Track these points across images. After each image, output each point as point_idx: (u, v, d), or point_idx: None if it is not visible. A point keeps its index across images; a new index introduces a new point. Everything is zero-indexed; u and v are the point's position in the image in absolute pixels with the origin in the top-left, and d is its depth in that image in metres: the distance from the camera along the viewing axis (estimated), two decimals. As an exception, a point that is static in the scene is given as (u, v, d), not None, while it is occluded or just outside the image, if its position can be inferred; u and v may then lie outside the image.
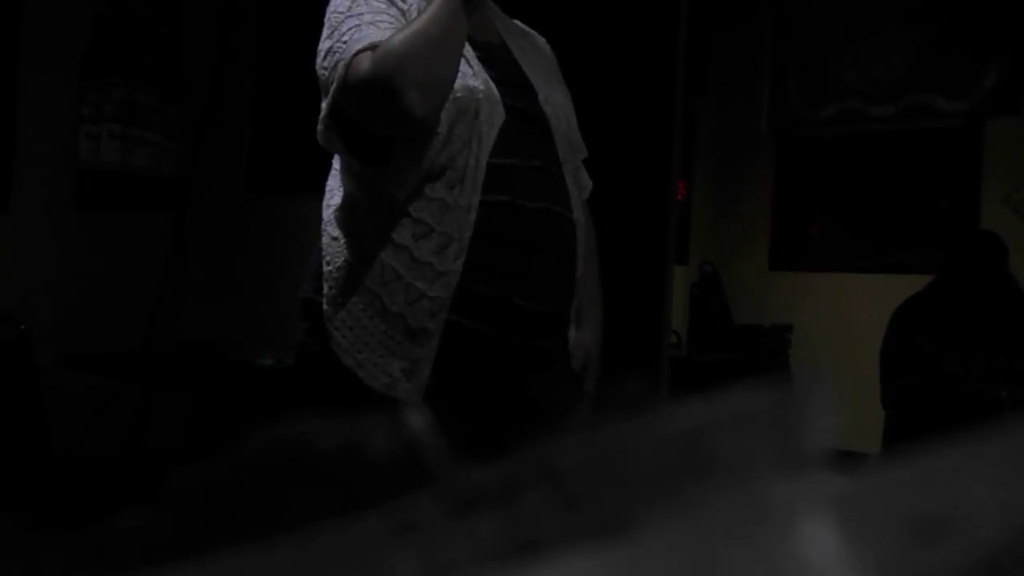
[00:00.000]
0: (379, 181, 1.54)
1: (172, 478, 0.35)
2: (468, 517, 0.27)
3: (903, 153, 5.36)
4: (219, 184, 3.99)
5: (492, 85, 1.55)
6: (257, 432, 0.35)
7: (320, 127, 1.53)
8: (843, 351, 4.80)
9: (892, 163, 5.40)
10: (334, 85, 1.48)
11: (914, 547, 0.25)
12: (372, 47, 1.46)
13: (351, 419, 0.34)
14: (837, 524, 0.25)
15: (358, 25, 1.50)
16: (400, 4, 1.57)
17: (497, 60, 1.63)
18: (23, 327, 3.05)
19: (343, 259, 1.57)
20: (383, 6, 1.55)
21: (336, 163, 1.65)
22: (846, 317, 5.17)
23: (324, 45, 1.53)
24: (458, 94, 1.50)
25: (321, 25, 1.58)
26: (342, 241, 1.58)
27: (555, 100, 1.65)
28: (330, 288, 1.57)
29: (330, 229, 1.61)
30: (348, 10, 1.53)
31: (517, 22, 1.79)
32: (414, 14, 1.56)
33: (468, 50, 1.56)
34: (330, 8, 1.57)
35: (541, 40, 1.82)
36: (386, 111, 1.46)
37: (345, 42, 1.48)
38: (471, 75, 1.53)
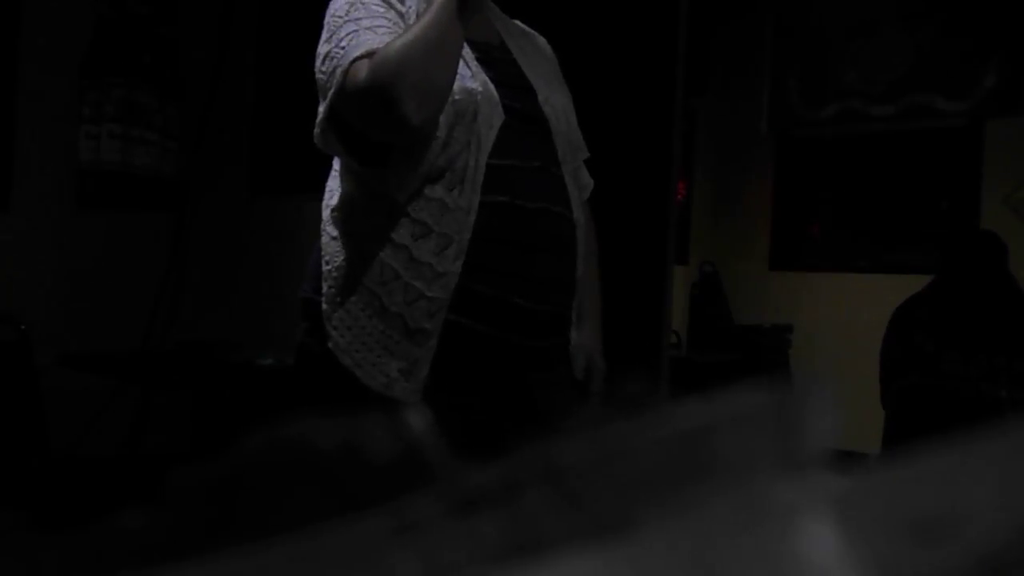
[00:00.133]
0: (378, 182, 1.54)
1: (172, 478, 0.35)
2: (468, 517, 0.27)
3: (903, 153, 5.36)
4: (219, 184, 3.99)
5: (491, 86, 1.55)
6: (257, 432, 0.35)
7: (317, 130, 1.54)
8: (843, 351, 4.80)
9: (892, 163, 5.40)
10: (332, 91, 1.49)
11: (914, 547, 0.25)
12: (369, 54, 1.46)
13: (351, 419, 0.34)
14: (837, 524, 0.25)
15: (356, 31, 1.50)
16: (398, 6, 1.57)
17: (497, 61, 1.63)
18: (23, 327, 3.05)
19: (342, 258, 1.57)
20: (381, 10, 1.55)
21: (336, 163, 1.65)
22: (846, 317, 5.17)
23: (323, 49, 1.53)
24: (456, 96, 1.51)
25: (321, 26, 1.58)
26: (341, 241, 1.58)
27: (555, 100, 1.65)
28: (329, 287, 1.57)
29: (329, 229, 1.61)
30: (346, 14, 1.53)
31: (517, 22, 1.79)
32: (413, 17, 1.56)
33: (467, 51, 1.56)
34: (329, 11, 1.57)
35: (542, 40, 1.82)
36: (383, 118, 1.47)
37: (343, 48, 1.49)
38: (469, 77, 1.54)
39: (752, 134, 5.82)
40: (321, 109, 1.52)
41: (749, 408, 0.28)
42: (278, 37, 3.84)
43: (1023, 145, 4.90)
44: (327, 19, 1.57)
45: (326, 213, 1.63)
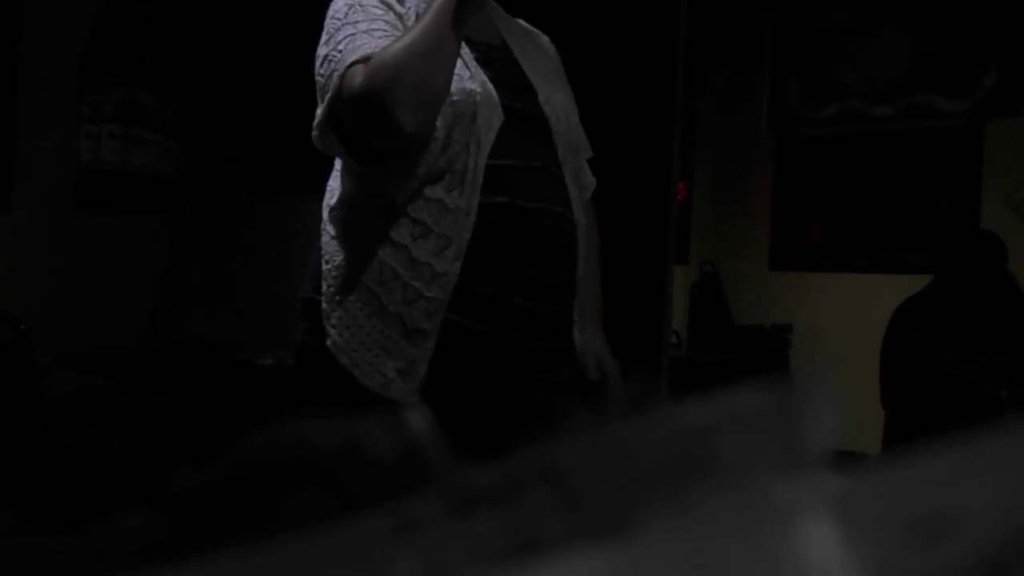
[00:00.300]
0: (377, 181, 1.54)
1: (172, 478, 0.35)
2: (468, 517, 0.27)
3: (903, 153, 5.36)
4: (219, 184, 3.99)
5: (490, 87, 1.55)
6: (257, 432, 0.35)
7: (315, 133, 1.54)
8: (843, 351, 4.80)
9: (892, 163, 5.40)
10: (329, 94, 1.49)
11: (914, 547, 0.25)
12: (365, 59, 1.46)
13: (351, 419, 0.34)
14: (837, 524, 0.25)
15: (353, 34, 1.50)
16: (397, 7, 1.57)
17: (497, 61, 1.63)
18: (23, 327, 3.05)
19: (342, 258, 1.57)
20: (379, 12, 1.55)
21: (338, 163, 1.65)
22: (846, 317, 5.17)
23: (321, 51, 1.54)
24: (455, 97, 1.51)
25: (321, 26, 1.59)
26: (341, 240, 1.58)
27: (555, 100, 1.65)
28: (328, 287, 1.57)
29: (329, 228, 1.61)
30: (345, 17, 1.54)
31: (520, 21, 1.79)
32: (412, 18, 1.56)
33: (466, 52, 1.56)
34: (329, 12, 1.58)
35: (545, 39, 1.82)
36: (377, 125, 1.47)
37: (340, 51, 1.50)
38: (468, 77, 1.53)
39: (752, 134, 5.82)
40: (319, 112, 1.52)
41: (749, 408, 0.28)
42: (278, 37, 3.84)
43: (1023, 145, 4.90)
44: (327, 20, 1.57)
45: (326, 213, 1.63)
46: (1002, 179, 4.95)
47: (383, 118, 1.44)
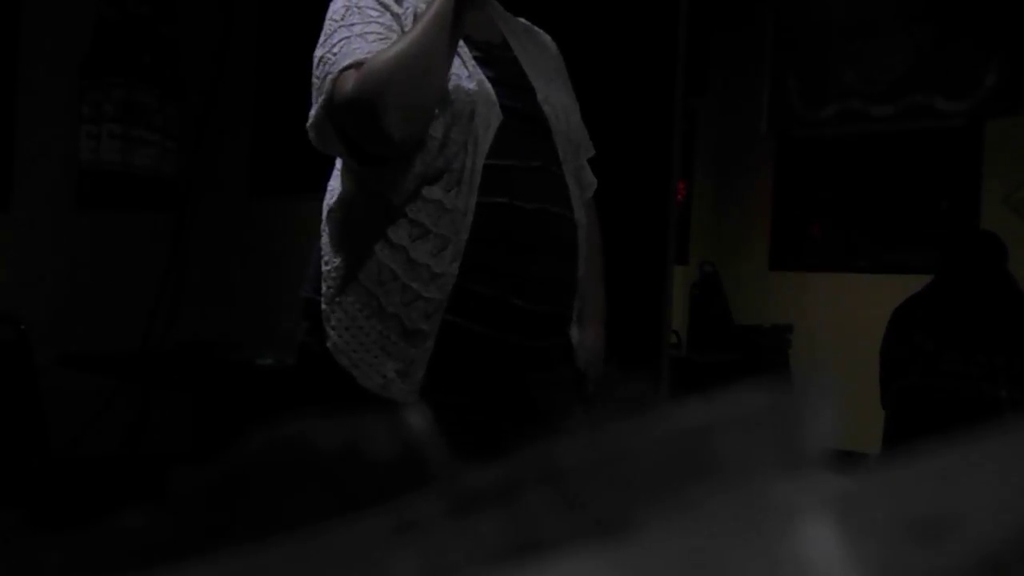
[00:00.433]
0: (376, 181, 1.54)
1: (172, 478, 0.35)
2: (468, 517, 0.27)
3: (903, 153, 5.36)
4: (219, 184, 3.99)
5: (488, 86, 1.55)
6: (257, 432, 0.35)
7: (311, 133, 1.55)
8: (843, 351, 4.80)
9: (892, 163, 5.40)
10: (322, 98, 1.51)
11: (914, 547, 0.25)
12: (358, 64, 1.47)
13: (352, 419, 0.34)
14: (837, 524, 0.25)
15: (348, 37, 1.51)
16: (395, 7, 1.57)
17: (497, 60, 1.63)
18: (23, 327, 3.05)
19: (341, 259, 1.57)
20: (375, 14, 1.55)
21: (338, 163, 1.65)
22: (846, 317, 5.17)
23: (317, 53, 1.55)
24: (453, 97, 1.51)
25: (321, 26, 1.59)
26: (340, 240, 1.58)
27: (555, 99, 1.65)
28: (328, 287, 1.57)
29: (329, 229, 1.61)
30: (342, 19, 1.55)
31: (522, 20, 1.79)
32: (410, 18, 1.55)
33: (464, 51, 1.56)
34: (328, 13, 1.58)
35: (546, 38, 1.81)
36: (367, 132, 1.49)
37: (335, 54, 1.51)
38: (466, 77, 1.53)
39: (752, 134, 5.82)
40: (312, 113, 1.53)
41: (749, 408, 0.28)
42: (278, 37, 3.84)
43: (1023, 145, 4.90)
44: (325, 21, 1.57)
45: (326, 213, 1.63)
46: (1002, 179, 4.95)
47: (372, 125, 1.45)
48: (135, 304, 3.73)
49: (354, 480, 0.33)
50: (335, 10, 1.57)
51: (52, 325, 3.40)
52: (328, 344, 1.55)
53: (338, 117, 1.50)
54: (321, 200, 1.66)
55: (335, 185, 1.64)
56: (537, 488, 0.27)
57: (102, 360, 3.41)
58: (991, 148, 5.03)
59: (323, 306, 1.57)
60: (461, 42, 1.53)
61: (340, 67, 1.48)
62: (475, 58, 1.58)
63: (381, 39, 1.51)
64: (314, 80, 1.54)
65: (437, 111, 1.50)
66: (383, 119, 1.44)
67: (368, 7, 1.55)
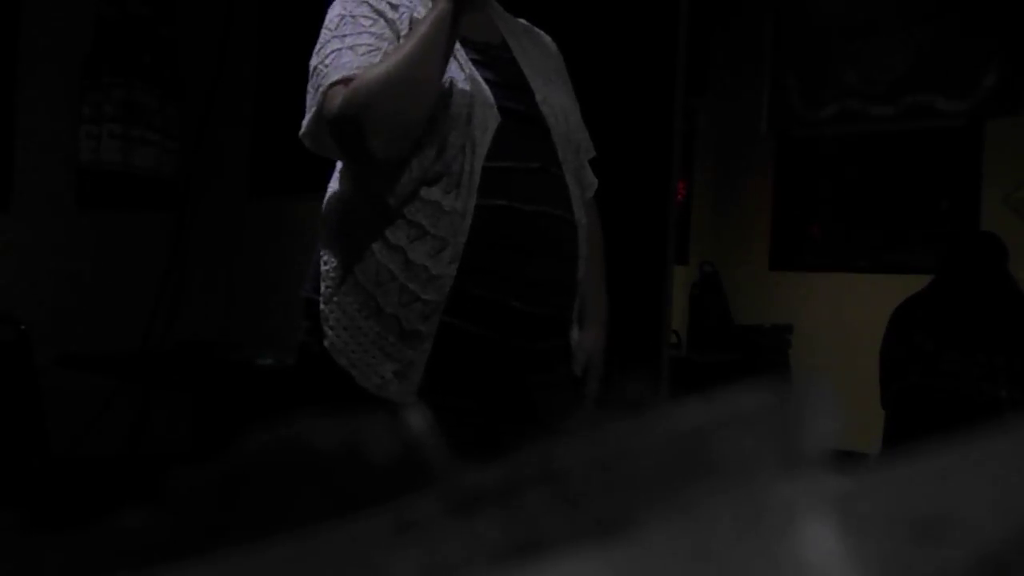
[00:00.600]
0: (374, 184, 1.54)
1: (172, 478, 0.35)
2: (468, 517, 0.27)
3: (903, 153, 5.36)
4: (219, 184, 3.99)
5: (485, 88, 1.55)
6: (257, 432, 0.35)
7: (306, 141, 1.57)
8: (843, 351, 4.80)
9: (892, 163, 5.40)
10: (314, 109, 1.53)
11: (914, 547, 0.25)
12: (346, 80, 1.49)
13: (352, 419, 0.34)
14: (837, 524, 0.25)
15: (339, 49, 1.53)
16: (389, 14, 1.57)
17: (496, 61, 1.63)
18: (23, 327, 3.05)
19: (340, 258, 1.57)
20: (367, 23, 1.55)
21: (338, 164, 1.65)
22: (846, 317, 5.17)
23: (312, 62, 1.57)
24: (449, 100, 1.51)
25: (321, 26, 1.59)
26: (339, 241, 1.58)
27: (553, 100, 1.64)
28: (327, 287, 1.57)
29: (328, 229, 1.61)
30: (335, 28, 1.56)
31: (522, 21, 1.79)
32: (405, 23, 1.55)
33: (461, 53, 1.56)
34: (325, 19, 1.59)
35: (546, 39, 1.81)
36: (351, 149, 1.52)
37: (327, 66, 1.53)
38: (463, 80, 1.53)
39: (752, 134, 5.82)
40: (304, 122, 1.55)
41: (749, 408, 0.28)
42: (278, 37, 3.84)
43: (1023, 145, 4.90)
44: (322, 28, 1.58)
45: (325, 213, 1.63)
46: (1002, 179, 4.94)
47: (356, 144, 1.48)
48: (135, 304, 3.73)
49: (354, 480, 0.33)
50: (330, 18, 1.58)
51: (52, 325, 3.40)
52: (326, 344, 1.55)
53: (327, 131, 1.52)
54: (321, 200, 1.66)
55: (335, 185, 1.64)
56: (537, 488, 0.27)
57: (102, 360, 3.41)
58: (991, 148, 5.03)
59: (322, 306, 1.57)
60: (458, 44, 1.53)
61: (329, 81, 1.50)
62: (473, 60, 1.58)
63: (371, 51, 1.52)
64: (309, 89, 1.56)
65: (435, 114, 1.50)
66: (366, 140, 1.47)
67: (362, 15, 1.56)
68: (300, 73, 1.61)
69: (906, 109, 5.27)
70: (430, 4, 1.53)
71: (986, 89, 5.01)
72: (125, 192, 3.80)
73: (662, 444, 0.27)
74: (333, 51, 1.53)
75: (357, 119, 1.46)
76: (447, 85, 1.51)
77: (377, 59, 1.50)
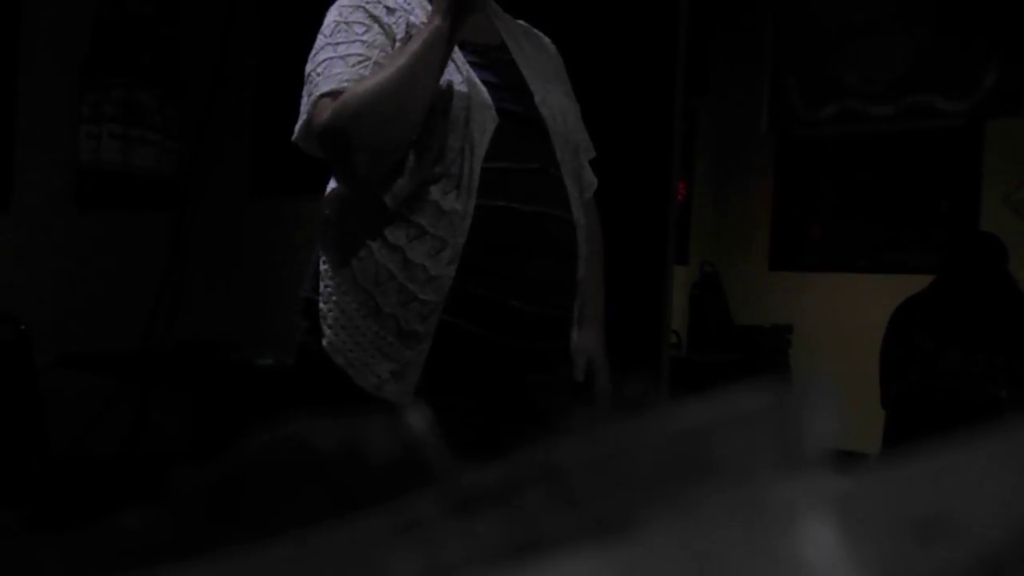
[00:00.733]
0: (373, 185, 1.55)
1: (172, 478, 0.35)
2: (468, 517, 0.27)
3: (903, 153, 5.36)
4: (219, 184, 3.99)
5: (483, 90, 1.55)
6: (257, 432, 0.35)
7: (300, 145, 1.59)
8: (843, 351, 4.80)
9: (892, 163, 5.40)
10: (303, 118, 1.55)
11: (914, 547, 0.25)
12: (334, 93, 1.50)
13: (352, 419, 0.34)
14: (837, 524, 0.25)
15: (331, 58, 1.54)
16: (385, 19, 1.57)
17: (494, 62, 1.63)
18: (23, 327, 3.05)
19: (339, 258, 1.57)
20: (361, 30, 1.55)
21: (338, 163, 1.66)
22: (846, 317, 5.17)
23: (308, 66, 1.58)
24: (447, 103, 1.51)
25: (320, 26, 1.59)
26: (338, 240, 1.58)
27: (552, 100, 1.64)
28: (325, 287, 1.58)
29: (328, 228, 1.61)
30: (330, 35, 1.56)
31: (521, 22, 1.79)
32: (402, 27, 1.56)
33: (460, 55, 1.56)
34: (324, 22, 1.60)
35: (546, 40, 1.81)
36: (336, 162, 1.56)
37: (318, 75, 1.55)
38: (460, 82, 1.53)
39: (752, 134, 5.82)
40: (296, 128, 1.57)
41: (749, 408, 0.28)
42: (278, 37, 3.84)
43: (1023, 145, 4.90)
44: (319, 31, 1.59)
45: (325, 212, 1.64)
46: (1002, 179, 4.94)
47: (341, 158, 1.52)
48: (135, 304, 3.73)
49: (354, 480, 0.33)
50: (327, 23, 1.59)
51: (52, 325, 3.40)
52: (324, 343, 1.55)
53: (314, 142, 1.55)
54: (321, 200, 1.66)
55: (335, 185, 1.64)
56: (537, 488, 0.27)
57: (102, 360, 3.41)
58: (991, 148, 5.03)
59: (321, 305, 1.57)
60: (456, 46, 1.53)
61: (319, 92, 1.52)
62: (472, 62, 1.58)
63: (361, 62, 1.52)
64: (303, 94, 1.57)
65: (434, 116, 1.51)
66: (350, 157, 1.50)
67: (356, 21, 1.56)
68: (300, 74, 1.61)
69: (906, 109, 5.27)
70: (429, 6, 1.53)
71: (986, 89, 5.01)
72: (125, 192, 3.80)
73: (662, 444, 0.27)
74: (325, 59, 1.54)
75: (342, 136, 1.48)
76: (445, 88, 1.51)
77: (367, 71, 1.51)
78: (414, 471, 0.33)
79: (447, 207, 1.50)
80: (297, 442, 0.35)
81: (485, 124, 1.53)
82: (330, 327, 1.55)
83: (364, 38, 1.55)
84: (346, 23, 1.56)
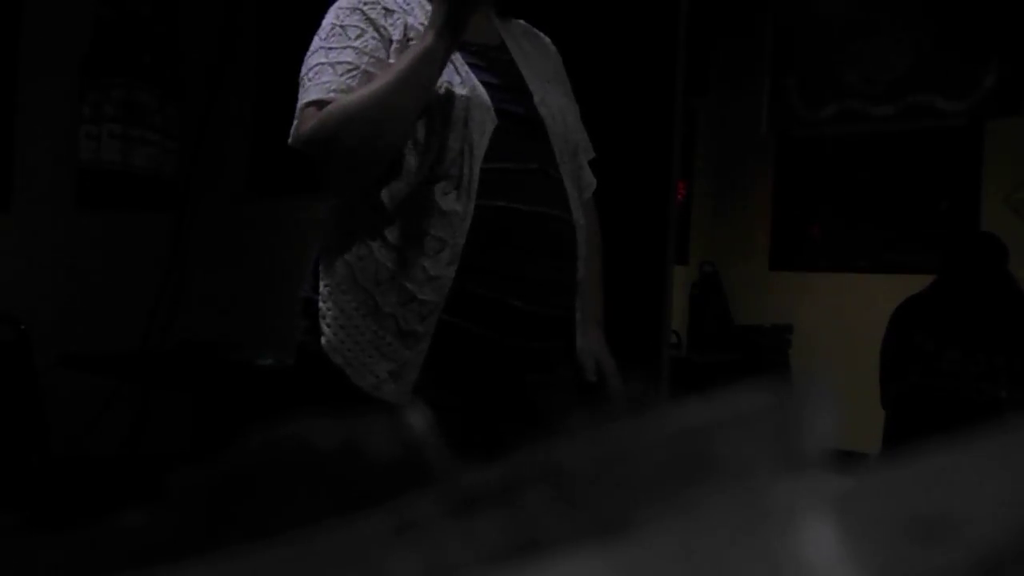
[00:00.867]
0: (373, 186, 1.55)
1: (172, 478, 0.35)
2: (468, 517, 0.27)
3: (903, 153, 5.36)
4: (219, 184, 3.99)
5: (482, 91, 1.55)
6: (257, 432, 0.35)
7: (297, 146, 1.59)
8: (843, 351, 4.80)
9: (892, 163, 5.40)
10: (295, 122, 1.55)
11: (914, 547, 0.25)
12: (320, 103, 1.51)
13: (352, 419, 0.34)
14: (837, 524, 0.25)
15: (322, 64, 1.55)
16: (381, 22, 1.57)
17: (493, 62, 1.63)
18: (23, 327, 3.05)
19: (339, 257, 1.57)
20: (354, 34, 1.55)
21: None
22: (846, 317, 5.17)
23: (302, 69, 1.58)
24: (446, 104, 1.51)
25: (320, 25, 1.59)
26: (338, 239, 1.58)
27: (551, 101, 1.64)
28: (325, 286, 1.58)
29: (328, 228, 1.61)
30: (325, 38, 1.57)
31: (521, 22, 1.78)
32: (400, 30, 1.56)
33: (459, 56, 1.56)
34: (321, 23, 1.60)
35: (545, 40, 1.81)
36: (318, 172, 1.58)
37: (309, 80, 1.55)
38: (459, 83, 1.53)
39: (752, 134, 5.82)
40: (292, 130, 1.57)
41: (749, 408, 0.28)
42: (278, 37, 3.84)
43: (1023, 145, 4.90)
44: (316, 32, 1.59)
45: (325, 212, 1.64)
46: (1002, 179, 4.95)
47: (321, 170, 1.55)
48: (135, 304, 3.73)
49: (354, 480, 0.33)
50: (324, 25, 1.59)
51: (52, 325, 3.40)
52: (323, 342, 1.55)
53: (302, 149, 1.56)
54: (320, 200, 1.67)
55: (335, 185, 1.65)
56: (537, 488, 0.27)
57: (102, 360, 3.41)
58: (991, 148, 5.03)
59: (320, 304, 1.57)
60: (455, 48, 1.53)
61: (307, 100, 1.53)
62: (471, 63, 1.58)
63: (350, 71, 1.53)
64: (298, 96, 1.58)
65: (433, 118, 1.51)
66: (330, 170, 1.53)
67: (352, 25, 1.56)
68: (299, 74, 1.61)
69: (906, 109, 5.27)
70: (428, 6, 1.53)
71: (986, 89, 5.01)
72: (125, 192, 3.80)
73: (662, 444, 0.27)
74: (316, 64, 1.55)
75: (324, 148, 1.50)
76: (443, 89, 1.51)
77: (355, 82, 1.51)
78: (414, 471, 0.33)
79: (447, 208, 1.50)
80: (297, 442, 0.35)
81: (484, 125, 1.53)
82: (329, 326, 1.55)
83: (356, 44, 1.54)
84: (341, 27, 1.56)
